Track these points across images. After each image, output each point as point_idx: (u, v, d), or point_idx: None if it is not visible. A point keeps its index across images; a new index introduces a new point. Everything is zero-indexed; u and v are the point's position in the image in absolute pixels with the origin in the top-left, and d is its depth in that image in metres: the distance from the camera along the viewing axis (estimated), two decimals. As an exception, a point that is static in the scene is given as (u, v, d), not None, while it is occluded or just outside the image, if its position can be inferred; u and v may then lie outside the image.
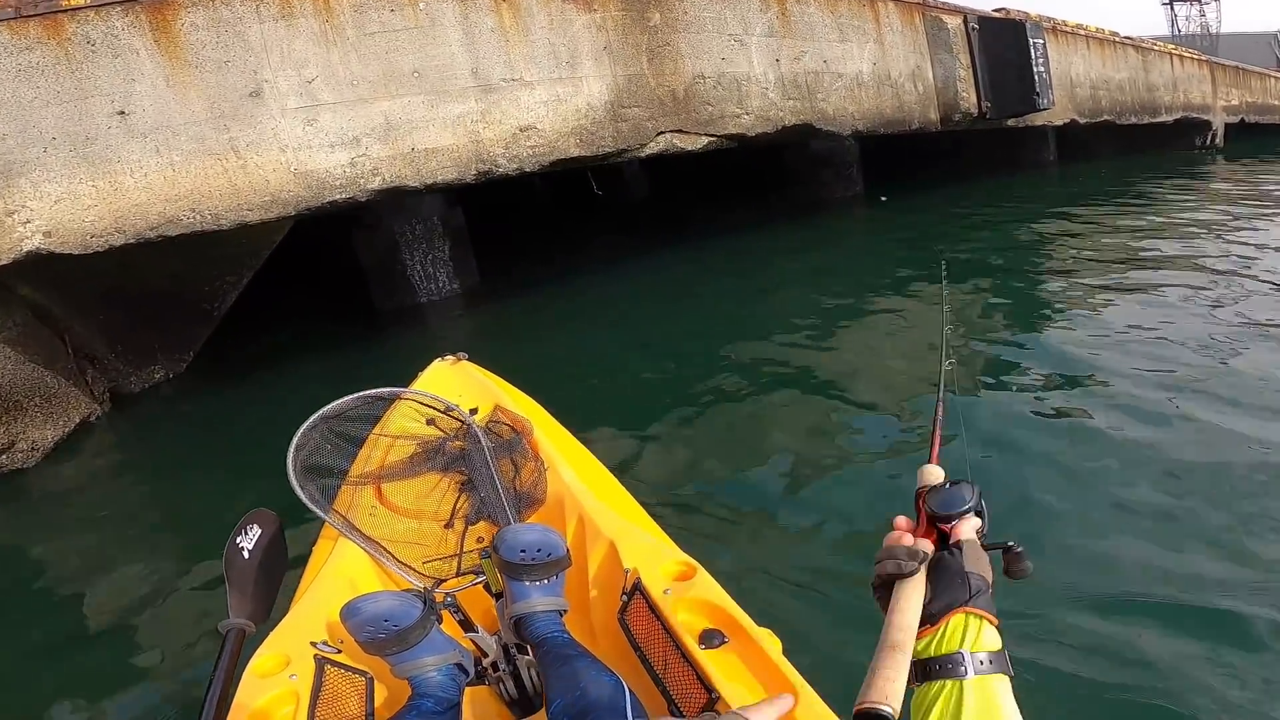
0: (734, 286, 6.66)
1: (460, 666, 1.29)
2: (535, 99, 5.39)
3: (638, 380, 4.48)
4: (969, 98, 9.22)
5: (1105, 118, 13.20)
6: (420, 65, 5.00)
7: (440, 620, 1.31)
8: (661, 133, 6.08)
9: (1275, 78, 22.47)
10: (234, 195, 4.54)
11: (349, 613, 1.22)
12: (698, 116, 6.34)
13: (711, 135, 6.49)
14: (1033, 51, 9.11)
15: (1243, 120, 19.26)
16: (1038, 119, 11.16)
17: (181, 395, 5.49)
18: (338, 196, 4.80)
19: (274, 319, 6.98)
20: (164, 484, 4.13)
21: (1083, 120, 12.45)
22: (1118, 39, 13.73)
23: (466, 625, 1.41)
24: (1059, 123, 11.85)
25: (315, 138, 4.69)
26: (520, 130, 5.33)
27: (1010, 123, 10.52)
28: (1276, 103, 21.98)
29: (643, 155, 6.07)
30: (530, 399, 2.26)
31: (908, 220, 9.21)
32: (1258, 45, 23.20)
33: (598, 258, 8.71)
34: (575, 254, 9.11)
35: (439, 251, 6.91)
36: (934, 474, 0.92)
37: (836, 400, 3.67)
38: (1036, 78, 9.13)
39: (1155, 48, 15.10)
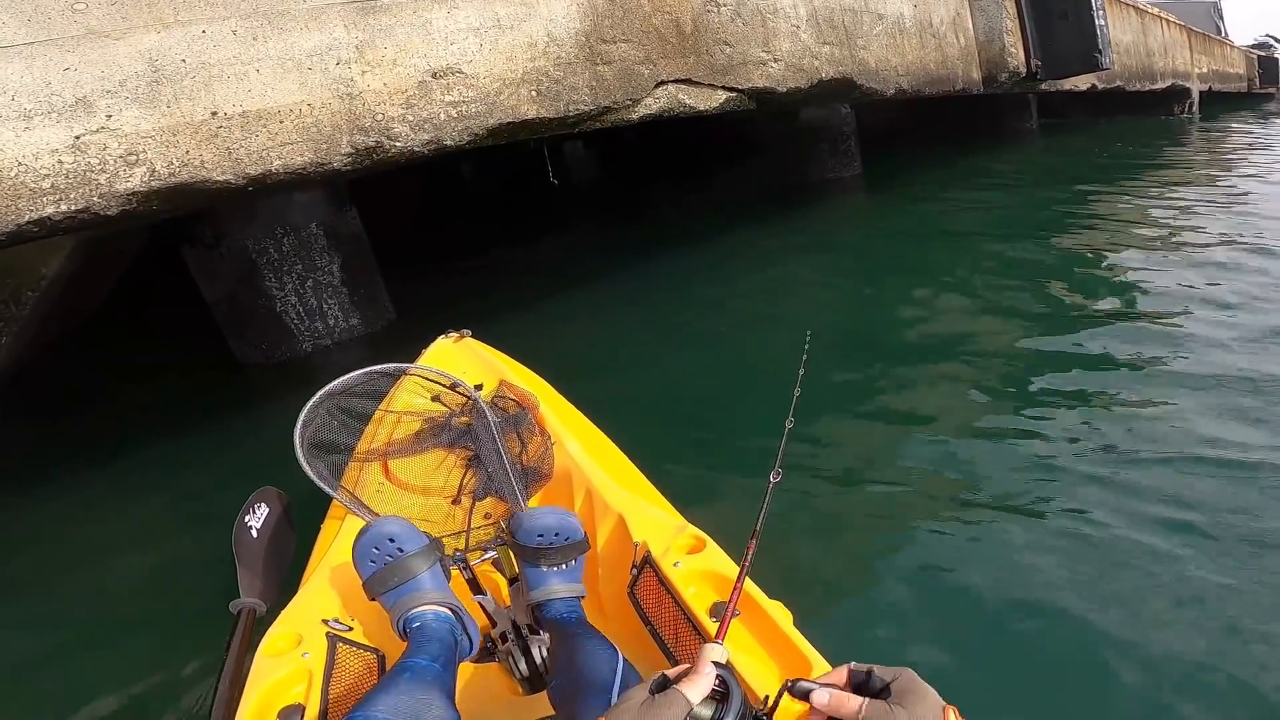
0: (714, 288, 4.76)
1: (457, 616, 1.21)
2: (457, 24, 3.03)
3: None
4: (1016, 54, 7.27)
5: (1118, 83, 11.62)
6: (227, -45, 2.58)
7: (447, 572, 1.27)
8: (662, 83, 3.79)
9: (1231, 46, 22.09)
10: None
11: (358, 535, 1.20)
12: (712, 61, 4.08)
13: (731, 89, 4.23)
14: (1093, 1, 7.24)
15: (1210, 89, 18.42)
16: (1066, 83, 9.38)
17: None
18: (50, 211, 2.32)
19: (86, 384, 4.67)
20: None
21: (1100, 86, 10.79)
22: (1118, -3, 12.20)
23: (475, 587, 1.36)
24: (1083, 88, 10.14)
25: (-12, 92, 2.23)
26: (432, 77, 2.95)
27: (1044, 86, 8.69)
28: (1234, 71, 21.51)
29: (635, 118, 3.77)
30: (535, 375, 2.15)
31: (914, 214, 6.86)
32: (1195, 14, 22.53)
33: (553, 261, 6.45)
34: (521, 260, 6.69)
35: (324, 274, 4.40)
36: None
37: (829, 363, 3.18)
38: (1099, 33, 7.28)
39: (1149, 10, 13.70)
